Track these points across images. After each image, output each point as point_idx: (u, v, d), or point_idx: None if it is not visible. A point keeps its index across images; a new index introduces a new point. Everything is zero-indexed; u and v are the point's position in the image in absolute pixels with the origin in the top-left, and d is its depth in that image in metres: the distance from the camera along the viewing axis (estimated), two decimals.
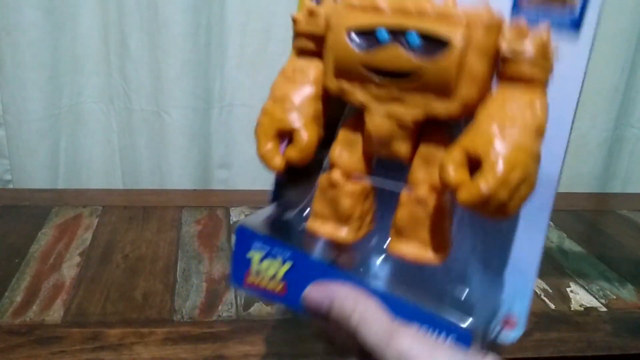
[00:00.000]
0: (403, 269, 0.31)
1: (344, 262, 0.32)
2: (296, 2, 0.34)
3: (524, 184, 0.25)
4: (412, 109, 0.27)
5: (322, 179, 0.31)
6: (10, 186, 0.82)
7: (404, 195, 0.29)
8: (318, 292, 0.29)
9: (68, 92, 0.79)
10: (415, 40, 0.26)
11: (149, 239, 0.64)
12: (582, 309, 0.57)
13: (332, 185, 0.30)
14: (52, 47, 0.75)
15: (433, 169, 0.28)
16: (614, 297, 0.59)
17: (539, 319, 0.54)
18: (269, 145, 0.30)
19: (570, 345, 0.51)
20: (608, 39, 0.88)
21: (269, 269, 0.31)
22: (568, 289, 0.60)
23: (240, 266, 0.32)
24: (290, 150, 0.30)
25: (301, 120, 0.30)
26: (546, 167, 0.26)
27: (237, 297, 0.54)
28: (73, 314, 0.50)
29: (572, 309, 0.56)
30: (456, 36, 0.25)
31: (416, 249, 0.29)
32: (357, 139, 0.30)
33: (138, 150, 0.82)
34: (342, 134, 0.30)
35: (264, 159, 0.31)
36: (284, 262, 0.31)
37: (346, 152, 0.30)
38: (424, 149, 0.29)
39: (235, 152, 0.86)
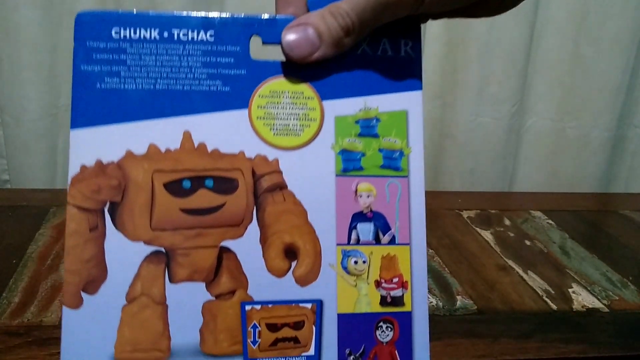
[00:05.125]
0: None
1: None
2: None
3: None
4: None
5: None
6: (8, 186, 0.81)
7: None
8: None
9: (66, 91, 0.78)
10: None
11: None
12: (584, 310, 0.56)
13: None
14: (50, 46, 0.75)
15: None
16: (617, 298, 0.59)
17: (541, 320, 0.53)
18: None
19: (572, 346, 0.50)
20: (610, 38, 0.87)
21: None
22: (570, 290, 0.60)
23: None
24: None
25: None
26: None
27: None
28: None
29: (574, 310, 0.56)
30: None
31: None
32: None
33: None
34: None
35: None
36: None
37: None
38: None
39: None
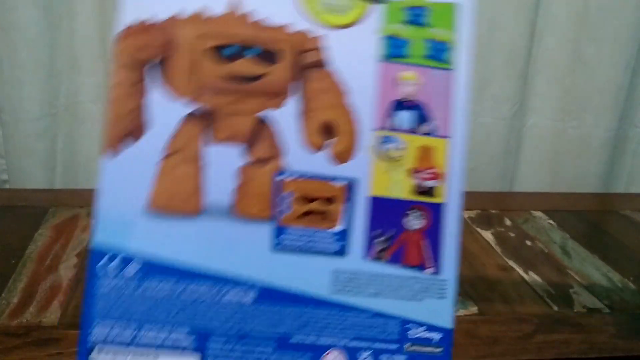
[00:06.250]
0: None
1: None
2: None
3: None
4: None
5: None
6: (7, 186, 0.81)
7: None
8: None
9: (65, 91, 0.78)
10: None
11: None
12: (585, 310, 0.56)
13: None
14: (49, 46, 0.75)
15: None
16: (618, 298, 0.58)
17: (542, 321, 0.53)
18: None
19: (573, 347, 0.50)
20: (611, 37, 0.87)
21: None
22: (571, 290, 0.59)
23: None
24: None
25: None
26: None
27: None
28: (70, 315, 0.50)
29: (575, 311, 0.56)
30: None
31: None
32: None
33: None
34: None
35: None
36: None
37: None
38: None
39: None
